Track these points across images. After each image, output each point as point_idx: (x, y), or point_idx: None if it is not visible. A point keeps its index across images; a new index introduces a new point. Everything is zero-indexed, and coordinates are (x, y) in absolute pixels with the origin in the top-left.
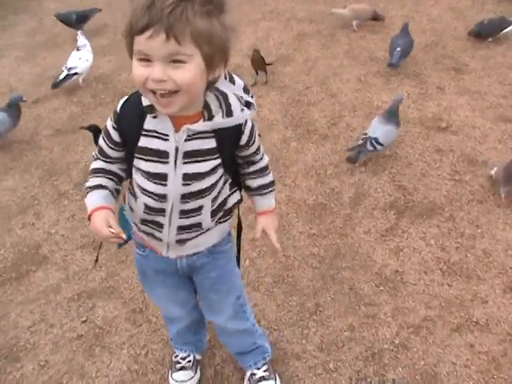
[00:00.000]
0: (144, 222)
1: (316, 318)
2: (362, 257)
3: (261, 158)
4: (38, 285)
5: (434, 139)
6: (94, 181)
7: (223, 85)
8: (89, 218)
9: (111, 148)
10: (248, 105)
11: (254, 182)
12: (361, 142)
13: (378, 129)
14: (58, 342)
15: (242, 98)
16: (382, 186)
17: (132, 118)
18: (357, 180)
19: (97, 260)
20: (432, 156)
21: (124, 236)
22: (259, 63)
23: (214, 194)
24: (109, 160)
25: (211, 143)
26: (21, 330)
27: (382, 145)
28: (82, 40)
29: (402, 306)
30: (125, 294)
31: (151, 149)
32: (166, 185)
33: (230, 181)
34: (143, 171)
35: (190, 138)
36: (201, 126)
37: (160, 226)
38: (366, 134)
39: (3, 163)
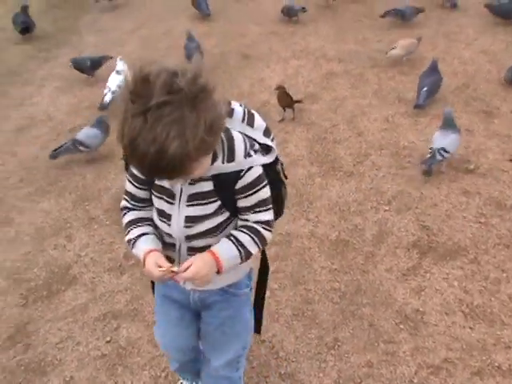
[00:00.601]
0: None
1: (334, 353)
2: (383, 294)
3: (257, 222)
4: (67, 304)
5: (461, 181)
6: (134, 232)
7: (237, 126)
8: (144, 264)
9: (138, 188)
10: (267, 149)
11: (233, 231)
12: (428, 156)
13: (442, 139)
14: (83, 360)
15: (256, 141)
16: (406, 225)
17: None
18: (380, 218)
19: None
20: (458, 198)
21: (175, 269)
22: (285, 100)
23: (224, 234)
24: (139, 205)
25: (209, 186)
26: (49, 346)
27: (448, 152)
28: (120, 65)
29: (422, 346)
30: (148, 318)
31: (163, 187)
32: (170, 225)
33: None
34: (155, 207)
35: (193, 182)
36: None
37: (172, 261)
38: (431, 149)
39: (41, 187)
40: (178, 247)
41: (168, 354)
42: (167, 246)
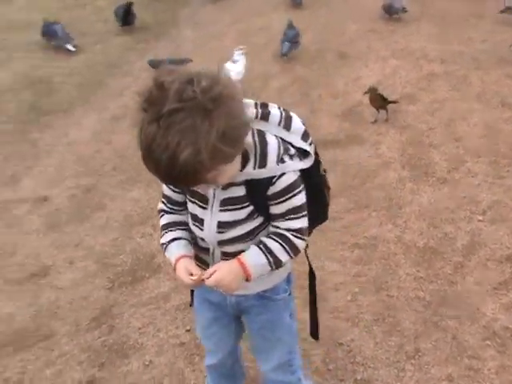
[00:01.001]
0: (196, 258)
1: (414, 362)
2: (471, 307)
3: (288, 230)
4: (150, 291)
5: None
6: (167, 236)
7: (273, 130)
8: (175, 270)
9: (174, 191)
10: (304, 153)
11: (263, 238)
12: None
13: None
14: (162, 346)
15: (292, 145)
16: (500, 238)
17: None
18: (473, 228)
19: (191, 304)
20: None
21: (204, 276)
22: (378, 101)
23: (257, 240)
24: (177, 208)
25: (241, 190)
26: (131, 330)
27: None
28: (238, 56)
29: (509, 365)
30: None
31: (196, 191)
32: (202, 229)
33: None
34: (189, 212)
35: (226, 187)
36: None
37: (207, 264)
38: None
39: (132, 177)
40: (211, 251)
41: (208, 349)
42: (202, 250)
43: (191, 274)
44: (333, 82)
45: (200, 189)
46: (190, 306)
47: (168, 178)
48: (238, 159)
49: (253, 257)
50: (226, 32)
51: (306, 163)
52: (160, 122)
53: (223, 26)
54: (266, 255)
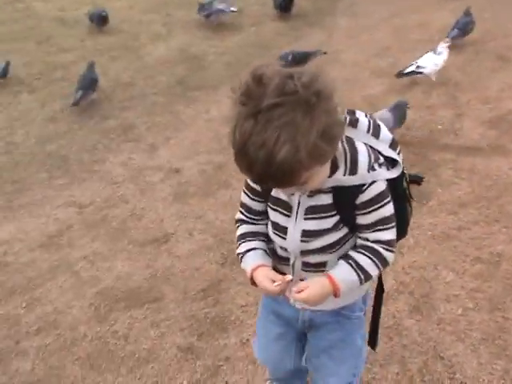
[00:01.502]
0: (274, 269)
1: None
2: None
3: (377, 242)
4: None
5: None
6: (244, 246)
7: (362, 137)
8: (251, 280)
9: (254, 200)
10: (392, 162)
11: (351, 252)
12: None
13: None
14: None
15: (381, 154)
16: None
17: None
18: None
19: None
20: None
21: (289, 278)
22: None
23: (341, 252)
24: (255, 218)
25: (328, 199)
26: (235, 306)
27: None
28: (442, 48)
29: None
30: None
31: (280, 199)
32: (285, 238)
33: None
34: (270, 220)
35: (312, 194)
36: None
37: (284, 275)
38: None
39: None
40: (292, 262)
41: (268, 369)
42: (281, 260)
43: (273, 281)
44: (486, 86)
45: (286, 193)
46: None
47: (262, 178)
48: (328, 164)
49: (343, 273)
50: (381, 26)
51: (394, 173)
52: (258, 117)
53: (379, 19)
54: (356, 271)
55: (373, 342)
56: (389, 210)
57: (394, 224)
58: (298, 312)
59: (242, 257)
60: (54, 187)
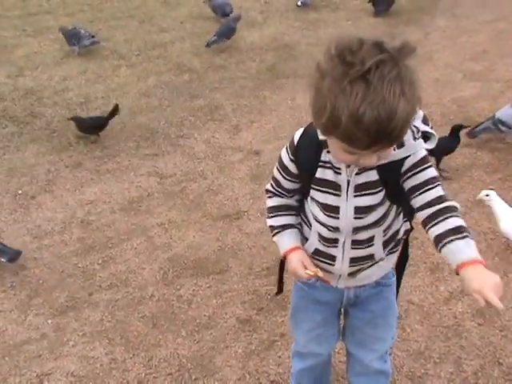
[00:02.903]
0: (317, 253)
1: None
2: None
3: (437, 193)
4: None
5: None
6: (279, 220)
7: None
8: (284, 257)
9: (288, 180)
10: (427, 136)
11: (435, 229)
12: None
13: None
14: None
15: (417, 128)
16: None
17: (310, 150)
18: None
19: (279, 291)
20: None
21: (320, 274)
22: None
23: (386, 224)
24: (286, 193)
25: (375, 175)
26: None
27: None
28: None
29: None
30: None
31: (327, 180)
32: (338, 218)
33: (401, 212)
34: (319, 202)
35: (360, 172)
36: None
37: (333, 258)
38: None
39: None
40: (342, 242)
41: (306, 351)
42: (329, 241)
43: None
44: None
45: (363, 163)
46: (277, 294)
47: (380, 137)
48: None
49: (467, 249)
50: (482, 29)
51: (430, 145)
52: (368, 77)
53: (481, 22)
54: (464, 236)
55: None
56: (433, 171)
57: (440, 182)
58: (342, 292)
59: (277, 231)
60: (140, 157)
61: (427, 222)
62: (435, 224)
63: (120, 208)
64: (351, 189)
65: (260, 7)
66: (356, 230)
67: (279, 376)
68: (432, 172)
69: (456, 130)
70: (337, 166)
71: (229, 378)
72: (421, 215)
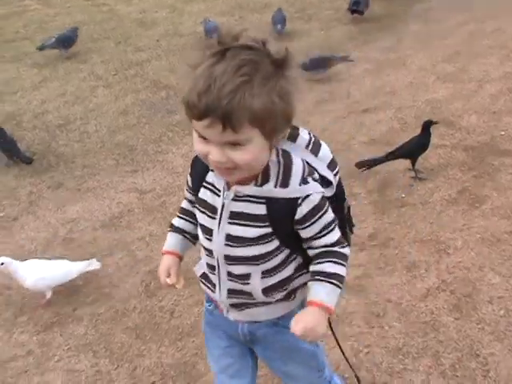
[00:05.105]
0: (204, 277)
1: None
2: None
3: (331, 239)
4: None
5: None
6: (178, 221)
7: (300, 153)
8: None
9: (189, 192)
10: (327, 182)
11: (314, 266)
12: None
13: None
14: None
15: (313, 169)
16: None
17: (200, 169)
18: None
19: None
20: None
21: (178, 287)
22: None
23: (267, 266)
24: (191, 203)
25: (260, 209)
26: None
27: None
28: None
29: None
30: (371, 297)
31: (205, 201)
32: (211, 240)
33: (297, 260)
34: (199, 223)
35: (238, 199)
36: (249, 189)
37: (213, 285)
38: None
39: None
40: (217, 270)
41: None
42: (209, 267)
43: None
44: None
45: (216, 156)
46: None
47: (209, 107)
48: (264, 146)
49: (322, 292)
50: (454, 32)
51: (328, 192)
52: (226, 54)
53: (453, 25)
54: (329, 281)
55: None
56: (329, 215)
57: (336, 222)
58: (237, 326)
59: (169, 230)
60: (120, 174)
61: (313, 259)
62: (317, 263)
63: (101, 225)
64: (225, 213)
65: (235, 22)
66: (228, 259)
67: (261, 378)
68: (327, 217)
69: (427, 126)
70: (218, 187)
71: (212, 383)
72: (310, 253)
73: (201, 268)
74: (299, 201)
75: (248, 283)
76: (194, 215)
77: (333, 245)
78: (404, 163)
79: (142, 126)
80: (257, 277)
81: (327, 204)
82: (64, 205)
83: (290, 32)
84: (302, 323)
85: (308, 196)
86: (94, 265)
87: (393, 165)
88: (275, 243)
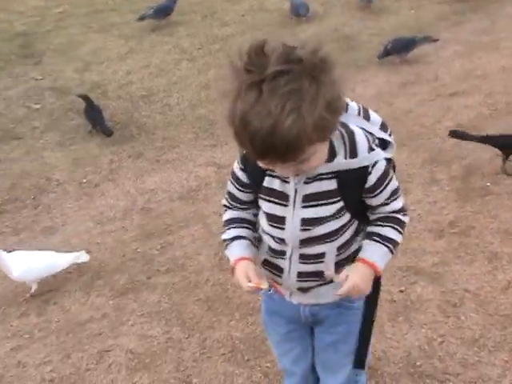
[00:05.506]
0: (266, 264)
1: None
2: None
3: (394, 206)
4: None
5: None
6: (230, 232)
7: (354, 121)
8: (232, 270)
9: (240, 190)
10: (385, 144)
11: (371, 227)
12: None
13: None
14: None
15: (374, 136)
16: None
17: None
18: None
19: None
20: None
21: (264, 287)
22: None
23: (341, 241)
24: (241, 206)
25: (332, 184)
26: None
27: None
28: None
29: None
30: (448, 285)
31: (274, 189)
32: (283, 229)
33: (362, 229)
34: (265, 212)
35: (309, 181)
36: (321, 167)
37: (280, 270)
38: None
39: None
40: (289, 254)
41: (285, 368)
42: (276, 253)
43: (250, 281)
44: None
45: (284, 173)
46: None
47: (264, 151)
48: (327, 143)
49: (374, 252)
50: None
51: (388, 153)
52: (262, 86)
53: None
54: (384, 244)
55: (359, 360)
56: (395, 182)
57: (400, 190)
58: (298, 308)
59: (227, 244)
60: (199, 147)
61: (373, 221)
62: (377, 225)
63: (179, 196)
64: (299, 199)
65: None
66: (303, 242)
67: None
68: (393, 184)
69: None
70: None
71: None
72: (372, 217)
73: (261, 255)
74: (369, 168)
75: (322, 261)
76: (244, 220)
77: (396, 212)
78: (491, 151)
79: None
80: (331, 254)
81: (392, 171)
82: (143, 175)
83: (378, 10)
84: (351, 282)
85: (376, 163)
86: (82, 257)
87: (479, 151)
88: (347, 216)
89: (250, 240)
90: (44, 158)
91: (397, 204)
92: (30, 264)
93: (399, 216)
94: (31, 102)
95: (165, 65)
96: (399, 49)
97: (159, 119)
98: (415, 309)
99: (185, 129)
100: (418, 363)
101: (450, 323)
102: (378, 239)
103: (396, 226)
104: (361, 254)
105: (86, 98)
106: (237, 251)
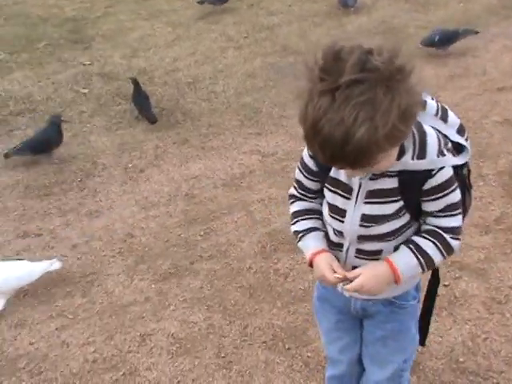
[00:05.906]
0: None
1: None
2: None
3: (442, 228)
4: None
5: None
6: (302, 224)
7: (429, 121)
8: (310, 263)
9: (310, 179)
10: (459, 148)
11: (415, 236)
12: None
13: None
14: None
15: (448, 139)
16: None
17: None
18: None
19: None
20: None
21: (351, 276)
22: None
23: (400, 240)
24: (309, 195)
25: (393, 183)
26: None
27: None
28: None
29: None
30: (493, 282)
31: (339, 180)
32: (343, 221)
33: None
34: (328, 202)
35: (375, 177)
36: None
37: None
38: None
39: None
40: (346, 248)
41: (330, 356)
42: (334, 245)
43: (334, 272)
44: None
45: (350, 175)
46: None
47: (335, 157)
48: (397, 148)
49: (403, 258)
50: None
51: (461, 160)
52: (336, 94)
53: None
54: (417, 256)
55: (422, 338)
56: (457, 195)
57: (460, 211)
58: (350, 300)
59: (301, 236)
60: (244, 135)
61: (420, 231)
62: (421, 236)
63: (222, 183)
64: (362, 194)
65: None
66: (361, 238)
67: None
68: (454, 197)
69: None
70: None
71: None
72: (422, 227)
73: None
74: (433, 172)
75: (378, 258)
76: (315, 211)
77: (446, 230)
78: None
79: (268, 89)
80: (388, 252)
81: (456, 183)
82: (187, 161)
83: (426, 2)
84: (362, 278)
85: (442, 168)
86: (55, 265)
87: None
88: (406, 217)
89: (323, 231)
90: (91, 142)
91: (449, 222)
92: (6, 274)
93: (447, 237)
94: (79, 87)
95: (211, 52)
96: (445, 41)
97: (205, 106)
98: (459, 304)
99: (230, 116)
100: (461, 359)
101: (494, 320)
102: (413, 248)
103: (439, 245)
104: (390, 256)
105: (135, 82)
106: (314, 243)
